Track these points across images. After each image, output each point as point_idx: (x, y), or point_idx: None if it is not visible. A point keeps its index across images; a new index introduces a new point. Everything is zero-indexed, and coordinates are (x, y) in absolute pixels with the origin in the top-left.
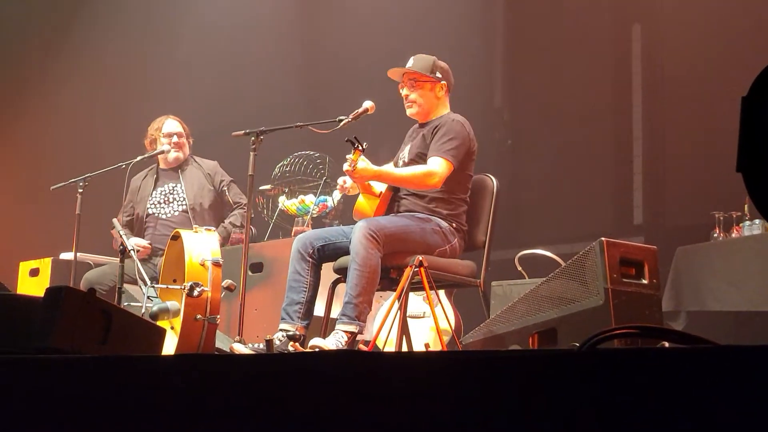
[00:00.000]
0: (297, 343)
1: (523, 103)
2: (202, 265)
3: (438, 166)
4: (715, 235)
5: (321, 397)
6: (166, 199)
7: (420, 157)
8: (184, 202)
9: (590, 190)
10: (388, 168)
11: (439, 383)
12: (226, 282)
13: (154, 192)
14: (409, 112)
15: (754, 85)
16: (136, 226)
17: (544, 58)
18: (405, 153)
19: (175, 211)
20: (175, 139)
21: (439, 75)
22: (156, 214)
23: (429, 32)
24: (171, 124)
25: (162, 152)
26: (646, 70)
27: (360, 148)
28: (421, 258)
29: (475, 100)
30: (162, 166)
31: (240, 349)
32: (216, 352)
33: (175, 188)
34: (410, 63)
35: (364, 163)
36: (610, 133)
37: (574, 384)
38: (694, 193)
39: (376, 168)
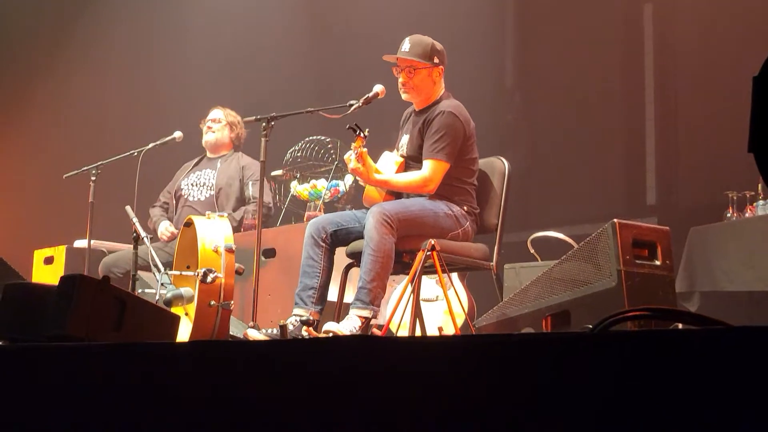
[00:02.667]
0: (311, 328)
1: (535, 84)
2: (215, 251)
3: (432, 171)
4: (729, 215)
5: (335, 382)
6: (198, 181)
7: (417, 157)
8: (211, 189)
9: (602, 171)
10: (388, 175)
11: (452, 367)
12: (235, 265)
13: (191, 174)
14: (404, 96)
15: (765, 64)
16: (171, 205)
17: (555, 38)
18: (404, 143)
19: (201, 196)
20: (209, 123)
21: (436, 60)
22: (186, 196)
23: (440, 14)
24: (213, 112)
25: (173, 139)
26: (658, 50)
27: (362, 135)
28: (433, 242)
29: (486, 81)
30: (208, 154)
31: (254, 334)
32: (230, 338)
33: (208, 174)
34: (406, 46)
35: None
36: (623, 113)
37: (587, 366)
38: (707, 173)
39: (378, 177)
